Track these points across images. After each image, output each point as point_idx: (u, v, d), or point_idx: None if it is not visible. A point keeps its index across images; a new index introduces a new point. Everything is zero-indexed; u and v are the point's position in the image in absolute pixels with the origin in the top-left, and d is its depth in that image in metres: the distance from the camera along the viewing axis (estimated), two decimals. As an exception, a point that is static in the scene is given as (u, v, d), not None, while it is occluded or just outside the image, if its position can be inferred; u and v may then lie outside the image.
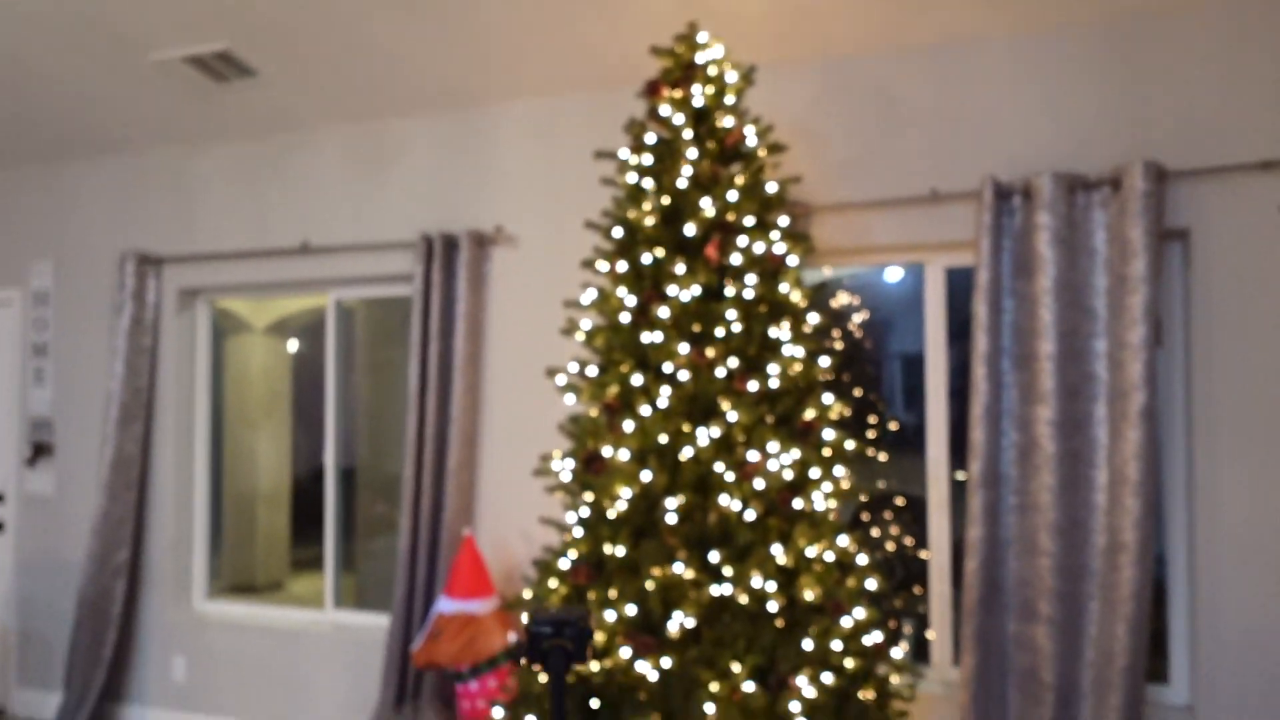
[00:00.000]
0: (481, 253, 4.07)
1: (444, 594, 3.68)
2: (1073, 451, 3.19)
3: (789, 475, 2.66)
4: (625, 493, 2.69)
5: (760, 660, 2.58)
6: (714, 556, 2.62)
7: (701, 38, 3.00)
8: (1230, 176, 3.13)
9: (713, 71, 2.95)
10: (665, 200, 2.87)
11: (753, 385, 2.71)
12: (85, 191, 4.93)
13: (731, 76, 2.97)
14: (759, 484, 2.62)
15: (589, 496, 2.79)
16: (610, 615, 2.64)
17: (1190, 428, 3.20)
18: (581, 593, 2.78)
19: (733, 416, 2.67)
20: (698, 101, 2.93)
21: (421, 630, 3.91)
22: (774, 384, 2.73)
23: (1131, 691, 3.03)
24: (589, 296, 2.97)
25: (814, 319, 2.93)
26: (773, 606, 2.56)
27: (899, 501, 4.26)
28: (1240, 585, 3.08)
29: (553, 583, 2.81)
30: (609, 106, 3.93)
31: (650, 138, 2.94)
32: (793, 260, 2.88)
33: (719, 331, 2.75)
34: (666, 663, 2.57)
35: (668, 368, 2.76)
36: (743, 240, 2.81)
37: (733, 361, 2.74)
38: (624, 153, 3.00)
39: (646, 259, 2.84)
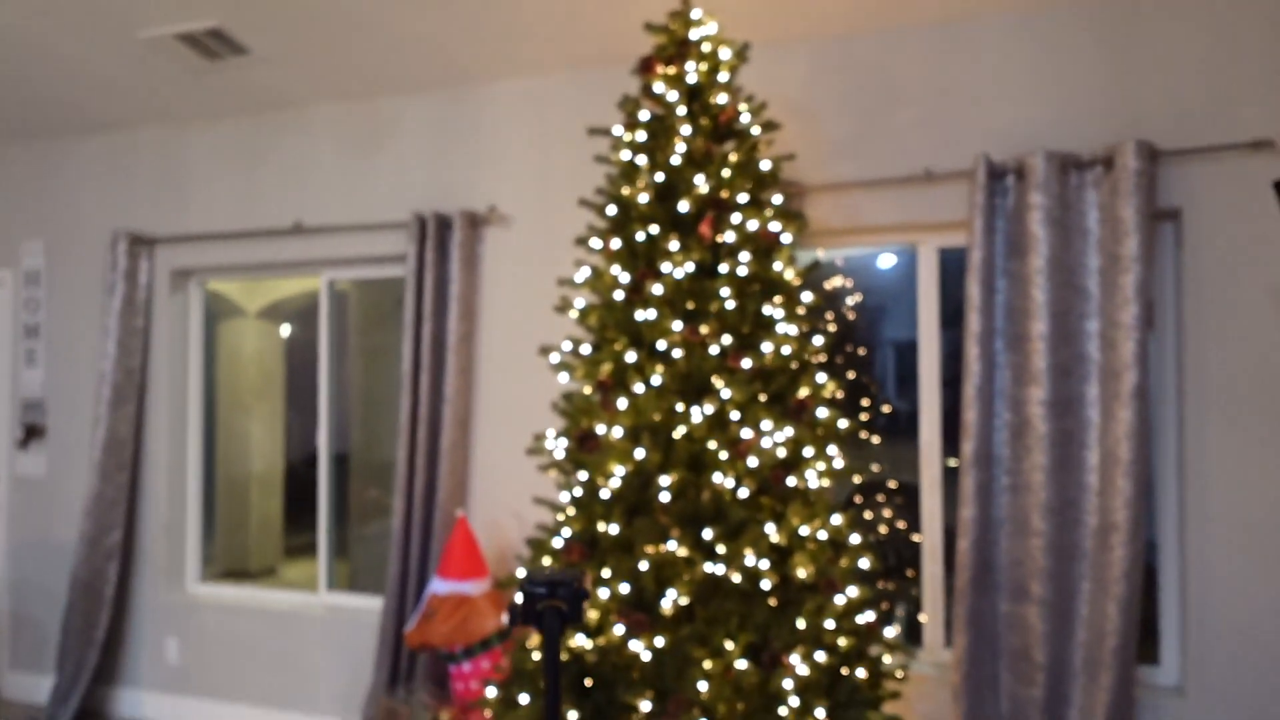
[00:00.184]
0: (475, 233, 4.05)
1: (437, 575, 3.68)
2: (1065, 431, 3.19)
3: (782, 453, 2.66)
4: (619, 470, 2.69)
5: (753, 638, 2.59)
6: (707, 534, 2.62)
7: (695, 14, 2.99)
8: (1222, 156, 3.13)
9: (706, 48, 2.94)
10: (659, 177, 2.86)
11: (746, 363, 2.71)
12: (76, 171, 4.90)
13: (725, 53, 2.96)
14: (752, 462, 2.62)
15: (582, 475, 2.79)
16: (604, 593, 2.64)
17: (1182, 408, 3.21)
18: (574, 571, 2.78)
19: (726, 394, 2.67)
20: (691, 78, 2.92)
21: (415, 611, 3.91)
22: (768, 360, 2.73)
23: (1122, 671, 3.04)
24: (583, 274, 2.96)
25: (807, 298, 2.92)
26: (766, 584, 2.56)
27: (891, 484, 4.27)
28: (1230, 566, 3.10)
29: (546, 561, 2.82)
30: (602, 85, 3.91)
31: (644, 115, 2.93)
32: (786, 238, 2.88)
33: (713, 309, 2.75)
34: (660, 640, 2.57)
35: (661, 345, 2.75)
36: (736, 217, 2.80)
37: (726, 339, 2.74)
38: (618, 129, 2.99)
39: (640, 236, 2.84)
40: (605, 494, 2.73)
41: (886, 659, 2.81)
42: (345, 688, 4.25)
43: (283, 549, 5.97)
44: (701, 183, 2.81)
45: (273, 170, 4.49)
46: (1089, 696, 3.10)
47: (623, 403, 2.73)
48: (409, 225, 4.09)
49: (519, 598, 1.34)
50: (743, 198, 2.84)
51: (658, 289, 2.77)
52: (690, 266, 2.77)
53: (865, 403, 4.17)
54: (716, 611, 2.60)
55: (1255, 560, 3.07)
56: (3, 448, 5.03)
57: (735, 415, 2.69)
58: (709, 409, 2.68)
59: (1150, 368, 3.23)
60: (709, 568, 2.59)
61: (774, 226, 2.85)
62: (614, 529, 2.69)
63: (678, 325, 2.74)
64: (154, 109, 4.56)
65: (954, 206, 3.44)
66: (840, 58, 3.59)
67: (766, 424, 2.66)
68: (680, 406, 2.72)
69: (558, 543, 2.81)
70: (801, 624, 2.58)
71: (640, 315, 2.79)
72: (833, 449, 2.81)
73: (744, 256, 2.79)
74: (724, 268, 2.79)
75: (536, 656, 2.77)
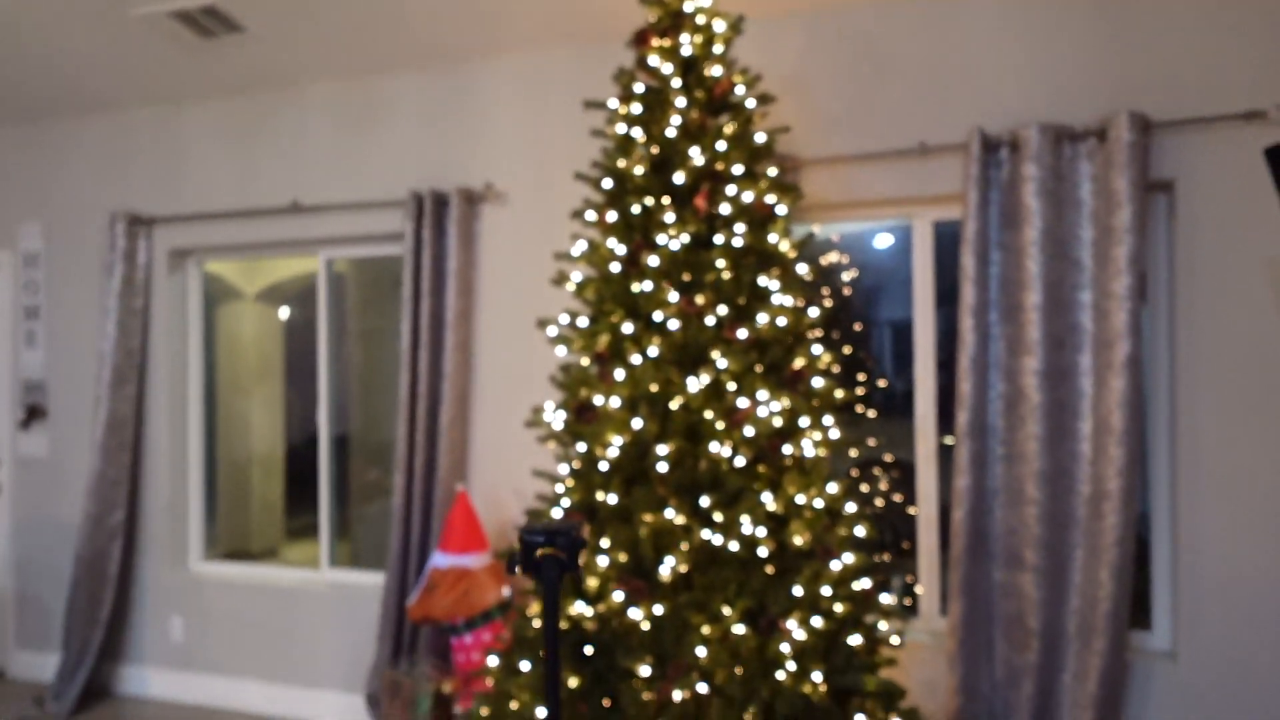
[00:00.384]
0: (471, 209, 4.07)
1: (438, 549, 3.72)
2: (1058, 401, 3.22)
3: (778, 423, 2.69)
4: (617, 441, 2.72)
5: (751, 604, 2.62)
6: (705, 502, 2.65)
7: (690, -13, 2.99)
8: (1215, 127, 3.15)
9: (701, 20, 2.95)
10: (654, 150, 2.88)
11: (742, 333, 2.73)
12: (73, 151, 4.91)
13: (720, 26, 2.97)
14: (749, 431, 2.65)
15: (581, 445, 2.82)
16: (603, 561, 2.67)
17: (1174, 377, 3.24)
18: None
19: (723, 364, 2.70)
20: (686, 51, 2.93)
21: (417, 585, 3.95)
22: (764, 330, 2.76)
23: (1115, 636, 3.08)
24: (579, 248, 2.98)
25: (802, 269, 2.94)
26: (763, 552, 2.60)
27: (888, 458, 4.30)
28: (1221, 532, 3.14)
29: (545, 531, 2.84)
30: (597, 59, 3.92)
31: (639, 87, 2.94)
32: (781, 210, 2.89)
33: (709, 280, 2.77)
34: (659, 608, 2.61)
35: (658, 316, 2.77)
36: (731, 189, 2.82)
37: (722, 310, 2.76)
38: (613, 103, 3.00)
39: (636, 209, 2.85)
40: (603, 464, 2.76)
41: (882, 625, 2.85)
42: (349, 662, 4.29)
43: (284, 531, 6.00)
44: (696, 155, 2.82)
45: (269, 149, 4.50)
46: (1082, 662, 3.14)
47: (620, 374, 2.76)
48: (406, 203, 4.10)
49: (518, 544, 1.37)
50: (738, 170, 2.86)
51: (654, 261, 2.79)
52: (686, 238, 2.79)
53: (861, 377, 4.20)
54: (714, 578, 2.64)
55: (1245, 527, 3.11)
56: (5, 428, 5.06)
57: (732, 385, 2.71)
58: (705, 379, 2.70)
59: (1143, 338, 3.26)
60: (706, 535, 2.63)
61: (769, 199, 2.87)
62: (612, 498, 2.73)
63: (674, 296, 2.76)
64: (150, 88, 4.56)
65: (948, 179, 3.45)
66: (835, 31, 3.60)
67: (762, 394, 2.69)
68: (677, 377, 2.74)
69: (557, 513, 2.84)
70: (798, 590, 2.61)
71: (637, 287, 2.81)
72: (828, 419, 2.84)
73: (739, 228, 2.81)
74: (719, 239, 2.81)
75: (537, 624, 2.81)
